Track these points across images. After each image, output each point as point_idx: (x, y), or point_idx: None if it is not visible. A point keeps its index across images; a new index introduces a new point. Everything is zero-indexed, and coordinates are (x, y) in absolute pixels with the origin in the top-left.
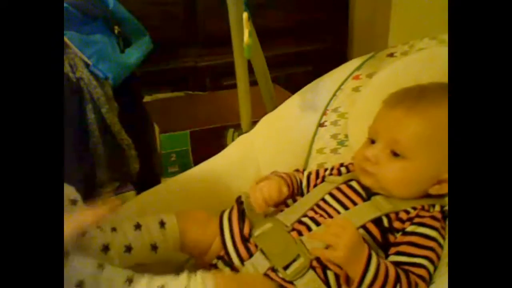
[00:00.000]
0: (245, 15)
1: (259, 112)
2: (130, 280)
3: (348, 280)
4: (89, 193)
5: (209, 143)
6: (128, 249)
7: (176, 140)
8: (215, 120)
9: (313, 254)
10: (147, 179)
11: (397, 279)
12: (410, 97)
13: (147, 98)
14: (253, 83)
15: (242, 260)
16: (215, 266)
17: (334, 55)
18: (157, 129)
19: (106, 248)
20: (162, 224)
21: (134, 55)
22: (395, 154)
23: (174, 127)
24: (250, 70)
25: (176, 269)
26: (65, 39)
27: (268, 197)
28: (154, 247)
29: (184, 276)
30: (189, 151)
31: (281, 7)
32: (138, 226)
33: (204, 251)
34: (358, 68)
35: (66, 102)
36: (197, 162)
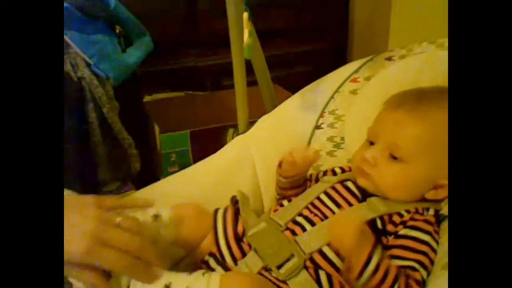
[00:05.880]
0: (245, 15)
1: (259, 112)
2: None
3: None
4: (90, 193)
5: (209, 143)
6: None
7: (176, 140)
8: (215, 120)
9: (309, 252)
10: (147, 179)
11: (396, 278)
12: (411, 100)
13: (147, 98)
14: (253, 83)
15: (235, 259)
16: (206, 263)
17: (334, 55)
18: (157, 129)
19: None
20: (155, 217)
21: (134, 55)
22: (393, 157)
23: (174, 127)
24: (251, 70)
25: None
26: (67, 38)
27: (313, 156)
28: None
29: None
30: (189, 151)
31: (282, 7)
32: None
33: (195, 245)
34: (356, 71)
35: (68, 102)
36: (197, 162)
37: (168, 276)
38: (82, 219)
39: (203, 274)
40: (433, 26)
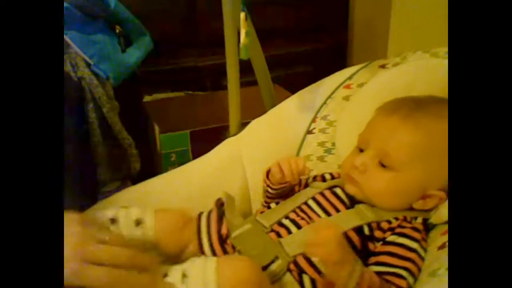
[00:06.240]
0: (242, 15)
1: (259, 112)
2: None
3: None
4: (91, 193)
5: (209, 143)
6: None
7: (176, 140)
8: (215, 120)
9: (293, 254)
10: (147, 179)
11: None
12: (406, 106)
13: (147, 98)
14: (253, 83)
15: None
16: None
17: (334, 55)
18: (157, 129)
19: None
20: (138, 222)
21: (134, 55)
22: (383, 165)
23: (174, 127)
24: (251, 70)
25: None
26: (67, 38)
27: (302, 169)
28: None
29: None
30: (189, 151)
31: (281, 6)
32: (113, 221)
33: (175, 255)
34: (350, 77)
35: (68, 102)
36: None
37: (163, 268)
38: (65, 238)
39: (199, 259)
40: (433, 26)
